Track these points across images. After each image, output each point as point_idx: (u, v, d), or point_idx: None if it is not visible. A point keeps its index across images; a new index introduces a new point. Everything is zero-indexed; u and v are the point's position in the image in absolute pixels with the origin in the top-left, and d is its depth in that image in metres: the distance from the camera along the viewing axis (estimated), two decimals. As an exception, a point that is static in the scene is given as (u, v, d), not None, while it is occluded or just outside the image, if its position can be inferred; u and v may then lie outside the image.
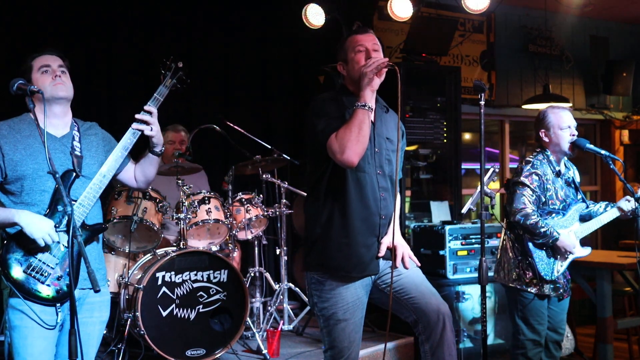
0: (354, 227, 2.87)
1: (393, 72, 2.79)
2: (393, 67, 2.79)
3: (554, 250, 3.80)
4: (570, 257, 3.85)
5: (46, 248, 2.60)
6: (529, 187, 3.74)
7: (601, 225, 3.97)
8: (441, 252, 4.96)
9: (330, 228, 2.88)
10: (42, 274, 2.61)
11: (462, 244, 5.01)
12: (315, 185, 2.93)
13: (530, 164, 3.80)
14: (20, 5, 5.04)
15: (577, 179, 4.01)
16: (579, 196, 3.96)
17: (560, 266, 3.82)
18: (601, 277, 4.77)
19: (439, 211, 5.75)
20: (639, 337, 5.87)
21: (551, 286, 3.82)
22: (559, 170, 3.85)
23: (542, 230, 3.70)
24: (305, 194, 3.03)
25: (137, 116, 2.78)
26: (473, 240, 5.02)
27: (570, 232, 3.84)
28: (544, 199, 3.80)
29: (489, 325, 4.89)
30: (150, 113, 2.78)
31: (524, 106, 7.38)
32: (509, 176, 7.03)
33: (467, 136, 7.62)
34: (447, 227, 5.00)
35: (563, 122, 3.81)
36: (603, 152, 3.83)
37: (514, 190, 3.78)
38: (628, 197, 3.96)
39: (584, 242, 3.95)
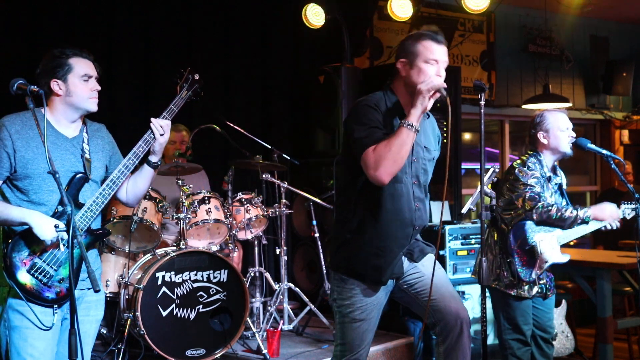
0: (386, 239, 2.84)
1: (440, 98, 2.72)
2: (445, 97, 2.69)
3: (531, 256, 3.79)
4: (551, 261, 3.82)
5: (51, 249, 2.60)
6: (532, 185, 3.72)
7: (585, 233, 3.96)
8: (441, 252, 4.96)
9: (360, 236, 2.84)
10: (44, 275, 2.61)
11: (462, 244, 5.01)
12: (348, 187, 2.89)
13: (526, 167, 3.79)
14: (21, 6, 5.03)
15: (565, 185, 4.02)
16: (564, 202, 3.96)
17: (540, 269, 3.82)
18: (601, 277, 4.77)
19: (439, 211, 5.74)
20: (639, 337, 5.87)
21: (531, 286, 3.82)
22: (550, 177, 3.86)
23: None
24: (335, 194, 3.02)
25: (154, 120, 2.77)
26: (473, 240, 5.02)
27: (553, 237, 3.84)
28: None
29: (489, 325, 4.88)
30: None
31: (524, 106, 7.38)
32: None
33: (467, 136, 7.62)
34: (447, 227, 5.00)
35: (562, 124, 3.82)
36: (604, 151, 3.83)
37: (522, 192, 3.72)
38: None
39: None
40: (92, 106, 2.74)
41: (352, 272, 2.87)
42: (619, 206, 3.84)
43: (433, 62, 2.78)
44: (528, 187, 3.72)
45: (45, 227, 2.54)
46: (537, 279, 3.82)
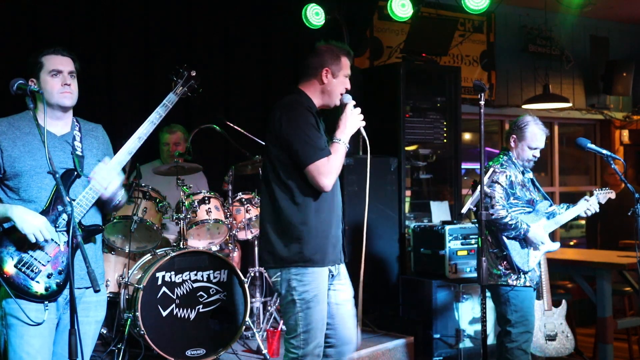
0: (330, 223, 3.11)
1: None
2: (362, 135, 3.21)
3: (526, 241, 3.93)
4: (543, 249, 3.98)
5: (38, 244, 2.60)
6: (499, 184, 3.89)
7: (568, 220, 4.11)
8: (441, 252, 4.96)
9: (311, 226, 3.04)
10: (32, 270, 2.61)
11: (462, 244, 5.01)
12: (289, 185, 3.05)
13: (498, 164, 3.96)
14: (21, 6, 5.04)
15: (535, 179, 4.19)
16: (539, 195, 4.11)
17: (535, 257, 3.95)
18: (601, 277, 4.78)
19: (439, 211, 5.75)
20: (639, 337, 5.87)
21: (531, 275, 3.94)
22: (523, 171, 4.03)
23: (512, 222, 3.84)
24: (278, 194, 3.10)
25: (95, 172, 2.67)
26: (473, 240, 5.02)
27: (539, 225, 3.98)
28: (512, 198, 3.94)
29: (489, 325, 4.88)
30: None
31: (524, 106, 7.38)
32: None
33: (467, 136, 7.62)
34: (447, 227, 5.00)
35: (534, 143, 3.99)
36: (604, 151, 3.87)
37: (492, 191, 3.88)
38: (587, 197, 4.10)
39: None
40: (63, 101, 2.72)
41: (310, 261, 3.03)
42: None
43: (348, 77, 3.20)
44: (496, 184, 3.88)
45: (27, 221, 2.55)
46: (533, 270, 3.95)
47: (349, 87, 3.21)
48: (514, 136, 4.01)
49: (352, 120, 3.12)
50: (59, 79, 2.71)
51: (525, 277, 3.91)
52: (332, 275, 3.17)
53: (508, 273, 3.90)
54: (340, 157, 3.04)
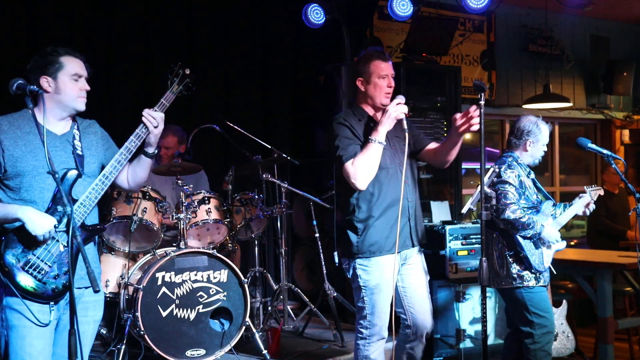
0: (386, 216, 3.34)
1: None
2: (405, 124, 3.30)
3: (541, 240, 3.92)
4: (554, 248, 3.96)
5: (43, 246, 2.60)
6: (511, 184, 3.88)
7: (569, 219, 4.10)
8: (442, 252, 4.95)
9: (368, 221, 3.33)
10: (39, 272, 2.60)
11: (462, 244, 5.00)
12: (348, 187, 3.31)
13: (505, 165, 3.96)
14: (21, 6, 5.03)
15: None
16: (542, 196, 4.11)
17: (548, 256, 3.94)
18: (601, 277, 4.77)
19: (439, 211, 5.73)
20: (640, 337, 5.86)
21: (545, 275, 3.94)
22: (529, 171, 4.05)
23: (529, 222, 3.83)
24: (335, 191, 3.42)
25: (147, 111, 2.76)
26: (473, 240, 5.01)
27: (548, 224, 3.96)
28: (522, 198, 3.92)
29: (489, 325, 4.88)
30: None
31: (524, 106, 7.38)
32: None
33: (467, 136, 7.57)
34: (448, 227, 4.99)
35: (546, 140, 4.06)
36: (605, 151, 3.86)
37: (497, 189, 3.88)
38: (581, 195, 4.10)
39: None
40: (80, 105, 2.74)
41: (375, 250, 3.32)
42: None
43: (384, 76, 3.39)
44: (508, 184, 3.88)
45: (37, 222, 2.54)
46: (546, 270, 3.94)
47: (391, 84, 3.40)
48: (530, 140, 4.00)
49: (388, 116, 3.24)
50: (79, 83, 2.73)
51: (540, 278, 3.90)
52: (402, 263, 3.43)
53: (523, 275, 3.88)
54: (368, 155, 3.22)
